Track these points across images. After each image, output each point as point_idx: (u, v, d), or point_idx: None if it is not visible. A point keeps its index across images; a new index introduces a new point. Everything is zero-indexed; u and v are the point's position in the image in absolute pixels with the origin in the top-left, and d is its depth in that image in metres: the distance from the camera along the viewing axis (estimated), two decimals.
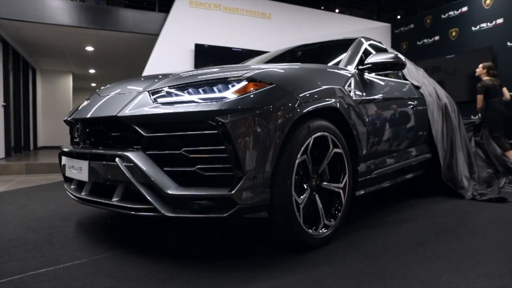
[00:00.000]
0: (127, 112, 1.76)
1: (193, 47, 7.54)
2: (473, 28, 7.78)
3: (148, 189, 1.65)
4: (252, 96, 1.70)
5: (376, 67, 2.54)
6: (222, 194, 1.59)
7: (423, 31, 8.95)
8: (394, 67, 2.55)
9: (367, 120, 2.40)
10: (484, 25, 7.56)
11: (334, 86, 2.15)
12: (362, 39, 2.93)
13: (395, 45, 9.63)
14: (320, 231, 1.94)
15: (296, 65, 2.27)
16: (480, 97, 5.56)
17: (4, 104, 7.76)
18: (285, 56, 3.36)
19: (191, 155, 1.62)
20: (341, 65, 2.53)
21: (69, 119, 2.26)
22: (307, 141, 1.87)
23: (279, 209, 1.74)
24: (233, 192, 1.58)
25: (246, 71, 1.83)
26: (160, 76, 2.03)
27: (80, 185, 2.12)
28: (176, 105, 1.68)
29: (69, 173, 2.12)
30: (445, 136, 3.48)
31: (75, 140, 2.26)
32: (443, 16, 8.47)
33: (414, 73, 3.49)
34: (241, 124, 1.61)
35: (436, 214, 2.69)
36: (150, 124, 1.71)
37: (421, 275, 1.59)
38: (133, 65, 10.74)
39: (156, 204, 1.63)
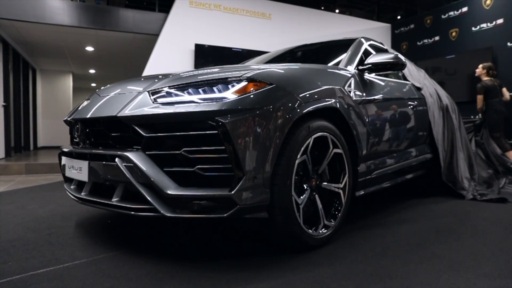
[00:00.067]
0: (127, 112, 1.76)
1: (193, 47, 7.55)
2: (473, 29, 7.78)
3: (148, 189, 1.65)
4: (252, 96, 1.70)
5: (376, 68, 2.54)
6: (222, 194, 1.59)
7: (423, 31, 8.95)
8: (394, 68, 2.55)
9: (367, 120, 2.40)
10: (484, 25, 7.56)
11: (334, 86, 2.15)
12: (362, 39, 2.93)
13: (395, 46, 9.63)
14: (320, 231, 1.94)
15: (296, 65, 2.27)
16: (480, 98, 5.56)
17: (4, 104, 7.76)
18: (285, 56, 3.36)
19: (191, 155, 1.62)
20: (341, 66, 2.53)
21: (69, 119, 2.26)
22: (307, 141, 1.87)
23: (279, 209, 1.74)
24: (233, 192, 1.58)
25: (246, 71, 1.83)
26: (160, 76, 2.03)
27: (80, 185, 2.12)
28: (176, 105, 1.68)
29: (69, 173, 2.12)
30: (446, 137, 3.49)
31: (75, 140, 2.26)
32: (443, 16, 8.47)
33: (415, 74, 3.49)
34: (241, 124, 1.61)
35: (436, 214, 2.69)
36: (150, 124, 1.71)
37: (421, 276, 1.59)
38: (133, 65, 10.75)
39: (156, 204, 1.63)
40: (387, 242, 2.05)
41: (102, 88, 2.29)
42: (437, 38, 8.61)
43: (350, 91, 2.30)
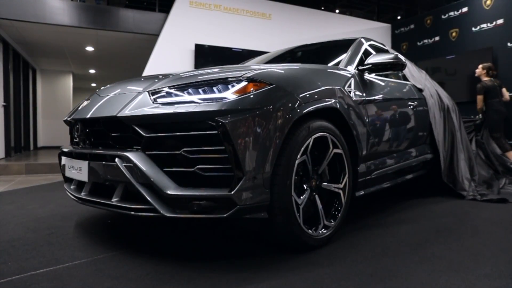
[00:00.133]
0: (127, 112, 1.76)
1: (193, 47, 7.55)
2: (473, 29, 7.78)
3: (147, 189, 1.65)
4: (252, 96, 1.70)
5: (376, 68, 2.54)
6: (221, 194, 1.59)
7: (423, 31, 8.95)
8: (394, 68, 2.55)
9: (367, 120, 2.40)
10: (484, 25, 7.56)
11: (334, 87, 2.15)
12: (362, 40, 2.93)
13: (395, 46, 9.63)
14: (320, 231, 1.94)
15: (296, 66, 2.27)
16: (480, 98, 5.56)
17: (4, 104, 7.76)
18: (285, 56, 3.36)
19: (190, 156, 1.62)
20: (341, 66, 2.53)
21: (69, 119, 2.26)
22: (307, 142, 1.87)
23: (279, 209, 1.74)
24: (232, 192, 1.58)
25: (246, 72, 1.83)
26: (160, 76, 2.03)
27: (80, 185, 2.12)
28: (176, 106, 1.68)
29: (69, 173, 2.12)
30: (447, 138, 3.49)
31: (75, 140, 2.26)
32: (443, 17, 8.47)
33: (416, 75, 3.50)
34: (241, 124, 1.61)
35: (436, 215, 2.69)
36: (150, 125, 1.71)
37: (421, 276, 1.59)
38: (133, 65, 10.75)
39: (156, 204, 1.63)
40: (387, 242, 2.05)
41: (102, 88, 2.29)
42: (437, 38, 8.61)
43: (350, 91, 2.30)
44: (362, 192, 2.38)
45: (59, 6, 7.12)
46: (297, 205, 1.82)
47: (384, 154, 2.69)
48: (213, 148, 1.61)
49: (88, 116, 1.99)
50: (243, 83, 1.74)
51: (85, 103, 2.25)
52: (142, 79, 2.15)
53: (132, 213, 1.70)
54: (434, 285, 1.51)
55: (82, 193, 1.99)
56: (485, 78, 5.67)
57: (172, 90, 1.79)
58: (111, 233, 2.29)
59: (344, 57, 2.64)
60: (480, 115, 5.48)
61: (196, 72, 2.02)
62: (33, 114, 11.26)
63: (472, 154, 3.87)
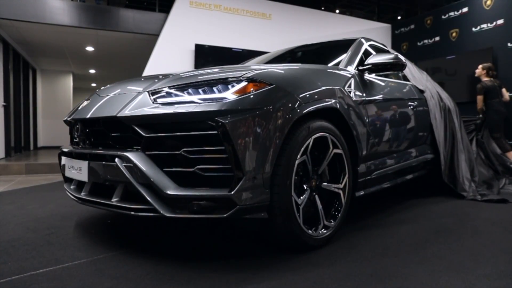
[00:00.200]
0: (126, 112, 1.76)
1: (193, 48, 7.55)
2: (473, 29, 7.77)
3: (147, 189, 1.65)
4: (252, 96, 1.70)
5: (376, 68, 2.54)
6: (221, 194, 1.59)
7: (423, 31, 8.95)
8: (394, 68, 2.55)
9: (367, 120, 2.40)
10: (484, 25, 7.55)
11: (334, 87, 2.15)
12: (362, 40, 2.93)
13: (395, 46, 9.63)
14: (320, 231, 1.94)
15: (296, 66, 2.27)
16: (480, 98, 5.56)
17: (4, 104, 7.76)
18: (285, 56, 3.36)
19: (190, 156, 1.62)
20: (341, 66, 2.53)
21: (68, 119, 2.26)
22: (307, 142, 1.87)
23: (278, 209, 1.74)
24: (232, 192, 1.58)
25: (246, 72, 1.82)
26: (160, 77, 2.03)
27: (79, 185, 2.12)
28: (176, 106, 1.68)
29: (69, 173, 2.12)
30: (448, 139, 3.50)
31: (74, 140, 2.26)
32: (443, 17, 8.47)
33: (417, 76, 3.50)
34: (240, 124, 1.61)
35: (436, 215, 2.69)
36: (149, 125, 1.71)
37: (421, 276, 1.59)
38: (134, 65, 10.75)
39: (156, 204, 1.63)
40: (387, 242, 2.04)
41: (102, 88, 2.29)
42: (437, 38, 8.60)
43: (350, 92, 2.30)
44: (362, 192, 2.38)
45: (59, 6, 7.12)
46: (297, 205, 1.82)
47: (384, 154, 2.69)
48: (213, 148, 1.61)
49: (88, 116, 1.99)
50: (243, 83, 1.74)
51: (85, 103, 2.24)
52: (142, 79, 2.15)
53: (132, 213, 1.70)
54: (434, 285, 1.51)
55: (82, 193, 1.99)
56: (485, 79, 5.67)
57: (172, 90, 1.79)
58: (111, 233, 2.29)
59: (344, 57, 2.64)
60: (481, 115, 5.48)
61: (196, 72, 2.02)
62: (33, 114, 11.26)
63: (473, 155, 3.87)
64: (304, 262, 1.75)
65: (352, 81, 2.39)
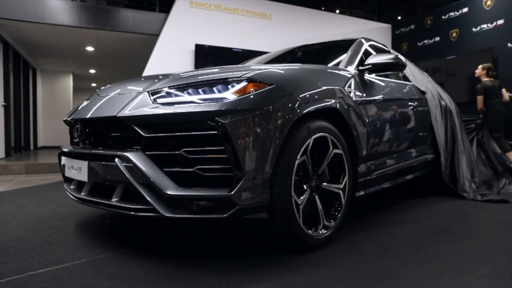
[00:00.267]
0: (126, 112, 1.76)
1: (193, 48, 7.55)
2: (473, 29, 7.77)
3: (147, 189, 1.65)
4: (252, 96, 1.70)
5: (376, 68, 2.54)
6: (221, 194, 1.59)
7: (423, 32, 8.95)
8: (394, 68, 2.54)
9: (367, 121, 2.40)
10: (484, 26, 7.55)
11: (334, 87, 2.15)
12: (363, 40, 2.93)
13: (395, 46, 9.63)
14: (320, 232, 1.94)
15: (296, 66, 2.27)
16: (480, 98, 5.57)
17: (4, 104, 7.76)
18: (285, 56, 3.36)
19: (190, 156, 1.62)
20: (341, 66, 2.53)
21: (68, 119, 2.26)
22: (307, 142, 1.87)
23: (278, 210, 1.74)
24: (232, 192, 1.58)
25: (246, 72, 1.82)
26: (160, 77, 2.03)
27: (79, 185, 2.12)
28: (176, 106, 1.68)
29: (69, 173, 2.12)
30: (448, 140, 3.50)
31: (74, 140, 2.26)
32: (443, 17, 8.47)
33: (419, 77, 3.50)
34: (240, 124, 1.61)
35: (437, 215, 2.69)
36: (149, 125, 1.71)
37: (421, 276, 1.59)
38: (134, 66, 10.75)
39: (156, 204, 1.63)
40: (387, 242, 2.04)
41: (102, 88, 2.29)
42: (437, 38, 8.60)
43: (350, 92, 2.30)
44: (362, 193, 2.38)
45: (60, 6, 7.12)
46: (297, 205, 1.82)
47: (384, 154, 2.69)
48: (213, 148, 1.61)
49: (88, 116, 1.99)
50: (243, 83, 1.74)
51: (85, 103, 2.24)
52: (142, 79, 2.15)
53: (132, 213, 1.70)
54: (434, 285, 1.51)
55: (82, 193, 1.99)
56: (485, 79, 5.67)
57: (172, 90, 1.79)
58: (111, 233, 2.29)
59: (344, 57, 2.64)
60: (481, 115, 5.48)
61: (196, 72, 2.02)
62: (33, 114, 11.26)
63: (473, 156, 3.87)
64: (304, 262, 1.75)
65: (352, 81, 2.39)
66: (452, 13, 8.26)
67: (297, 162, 1.81)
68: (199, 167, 1.62)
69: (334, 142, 2.04)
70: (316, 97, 1.97)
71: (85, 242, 2.08)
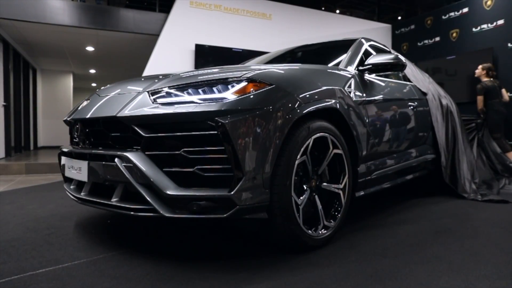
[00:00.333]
0: (126, 112, 1.75)
1: (193, 48, 7.55)
2: (473, 29, 7.77)
3: (147, 189, 1.65)
4: (252, 96, 1.70)
5: (376, 68, 2.54)
6: (221, 194, 1.59)
7: (423, 32, 8.95)
8: (394, 68, 2.54)
9: (367, 121, 2.40)
10: (484, 26, 7.55)
11: (334, 87, 2.15)
12: (363, 40, 2.93)
13: (395, 46, 9.63)
14: (320, 232, 1.94)
15: (296, 66, 2.27)
16: (480, 98, 5.57)
17: (5, 104, 7.76)
18: (286, 56, 3.36)
19: (190, 156, 1.62)
20: (341, 66, 2.53)
21: (68, 119, 2.25)
22: (307, 142, 1.87)
23: (278, 210, 1.74)
24: (232, 192, 1.57)
25: (246, 72, 1.82)
26: (160, 77, 2.03)
27: (79, 185, 2.12)
28: (176, 106, 1.68)
29: (69, 173, 2.12)
30: (449, 141, 3.50)
31: (74, 140, 2.26)
32: (443, 17, 8.47)
33: (420, 79, 3.50)
34: (240, 124, 1.61)
35: (436, 215, 2.69)
36: (149, 125, 1.71)
37: (420, 277, 1.59)
38: (134, 65, 10.75)
39: (155, 204, 1.63)
40: (387, 243, 2.04)
41: (102, 88, 2.29)
42: (437, 38, 8.60)
43: (350, 92, 2.29)
44: (362, 193, 2.38)
45: (60, 6, 7.12)
46: (297, 205, 1.81)
47: (384, 154, 2.68)
48: (212, 148, 1.61)
49: (87, 116, 1.98)
50: (243, 83, 1.74)
51: (85, 103, 2.24)
52: (142, 79, 2.15)
53: (132, 213, 1.70)
54: (434, 285, 1.51)
55: (82, 193, 1.99)
56: (485, 79, 5.67)
57: (172, 90, 1.79)
58: (111, 233, 2.29)
59: (344, 57, 2.64)
60: (481, 115, 5.48)
61: (196, 72, 2.01)
62: (33, 114, 11.26)
63: (473, 157, 3.87)
64: (304, 262, 1.75)
65: (352, 81, 2.39)
66: (452, 13, 8.26)
67: (297, 162, 1.81)
68: (199, 167, 1.62)
69: (334, 142, 2.04)
70: (316, 97, 1.97)
71: (85, 242, 2.08)
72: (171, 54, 7.46)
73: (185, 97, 1.73)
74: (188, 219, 1.65)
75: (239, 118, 1.61)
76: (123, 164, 1.69)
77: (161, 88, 1.82)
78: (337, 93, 2.14)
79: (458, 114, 3.79)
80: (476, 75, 5.83)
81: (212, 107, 1.62)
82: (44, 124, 12.30)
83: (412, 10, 11.95)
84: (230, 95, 1.68)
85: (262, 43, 8.07)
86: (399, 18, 12.33)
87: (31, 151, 10.26)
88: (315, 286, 1.50)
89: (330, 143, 2.02)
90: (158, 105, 1.73)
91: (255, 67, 2.05)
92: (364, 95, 2.44)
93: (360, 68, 2.56)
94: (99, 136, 1.98)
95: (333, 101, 2.08)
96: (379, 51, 3.08)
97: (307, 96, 1.92)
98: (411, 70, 3.42)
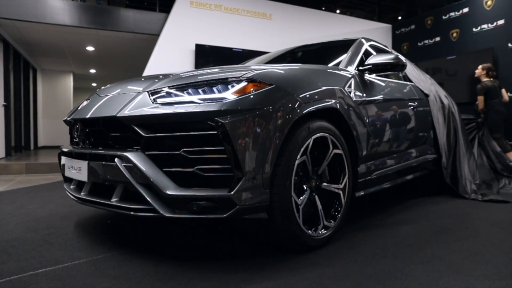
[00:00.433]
0: (126, 112, 1.75)
1: (193, 48, 7.55)
2: (474, 29, 7.77)
3: (147, 189, 1.65)
4: (252, 96, 1.70)
5: (377, 68, 2.53)
6: (221, 194, 1.59)
7: (424, 32, 8.94)
8: (394, 68, 2.54)
9: (367, 121, 2.40)
10: (485, 26, 7.55)
11: (334, 87, 2.15)
12: (363, 40, 2.93)
13: (396, 46, 9.62)
14: (320, 232, 1.94)
15: (296, 66, 2.27)
16: (481, 99, 5.57)
17: (5, 103, 7.76)
18: (286, 56, 3.36)
19: (190, 156, 1.62)
20: (341, 66, 2.53)
21: (68, 119, 2.26)
22: (307, 142, 1.87)
23: (278, 210, 1.74)
24: (232, 192, 1.57)
25: (246, 72, 1.82)
26: (160, 77, 2.03)
27: (79, 185, 2.12)
28: (176, 106, 1.68)
29: (69, 173, 2.12)
30: (451, 142, 3.50)
31: (74, 140, 2.26)
32: (444, 17, 8.47)
33: (422, 80, 3.50)
34: (240, 124, 1.61)
35: (437, 215, 2.68)
36: (149, 125, 1.71)
37: (420, 277, 1.59)
38: (134, 65, 10.76)
39: (155, 204, 1.63)
40: (387, 243, 2.04)
41: (102, 88, 2.29)
42: (438, 38, 8.60)
43: (350, 92, 2.29)
44: (362, 193, 2.38)
45: (60, 6, 7.12)
46: (297, 205, 1.81)
47: (384, 154, 2.68)
48: (212, 148, 1.61)
49: (87, 116, 1.98)
50: (243, 84, 1.74)
51: (85, 103, 2.24)
52: (142, 79, 2.15)
53: (132, 213, 1.70)
54: (434, 285, 1.50)
55: (82, 193, 1.99)
56: (484, 79, 5.67)
57: (172, 90, 1.79)
58: (111, 233, 2.29)
59: (344, 57, 2.64)
60: (482, 115, 5.48)
61: (196, 72, 2.01)
62: (34, 114, 11.26)
63: (474, 159, 3.87)
64: (303, 262, 1.75)
65: (352, 81, 2.39)
66: (452, 13, 8.26)
67: (297, 162, 1.81)
68: (199, 167, 1.62)
69: (334, 142, 2.04)
70: (316, 97, 1.97)
71: (85, 242, 2.08)
72: (171, 54, 7.46)
73: (185, 97, 1.73)
74: (188, 219, 1.65)
75: (239, 118, 1.61)
76: (123, 164, 1.69)
77: (161, 88, 1.82)
78: (337, 93, 2.14)
79: (459, 114, 3.79)
80: (476, 75, 5.83)
81: (212, 107, 1.62)
82: (44, 124, 12.31)
83: (412, 10, 11.96)
84: (230, 95, 1.68)
85: (262, 43, 8.07)
86: (400, 18, 12.33)
87: (31, 151, 10.27)
88: (315, 286, 1.50)
89: (330, 143, 2.02)
90: (158, 105, 1.73)
91: (255, 67, 2.05)
92: (364, 95, 2.44)
93: (360, 68, 2.56)
94: (99, 136, 1.98)
95: (333, 101, 2.08)
96: (379, 51, 3.08)
97: (307, 96, 1.92)
98: (414, 71, 3.43)
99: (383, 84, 2.77)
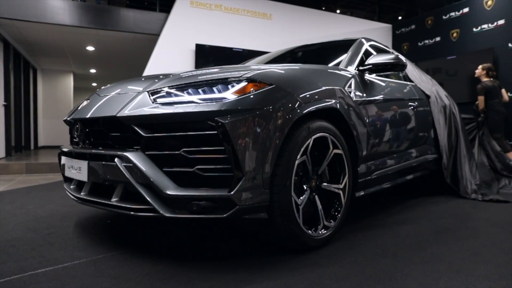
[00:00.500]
0: (126, 112, 1.75)
1: (193, 47, 7.54)
2: (474, 29, 7.77)
3: (147, 189, 1.65)
4: (252, 96, 1.70)
5: (377, 68, 2.53)
6: (221, 194, 1.59)
7: (424, 32, 8.94)
8: (394, 68, 2.54)
9: (367, 121, 2.40)
10: (485, 26, 7.55)
11: (334, 87, 2.15)
12: (363, 40, 2.93)
13: (396, 46, 9.62)
14: (320, 232, 1.94)
15: (296, 66, 2.27)
16: (481, 99, 5.57)
17: (5, 103, 7.77)
18: (286, 56, 3.36)
19: (190, 156, 1.62)
20: (341, 66, 2.52)
21: (68, 119, 2.26)
22: (307, 142, 1.87)
23: (278, 210, 1.74)
24: (232, 192, 1.57)
25: (246, 72, 1.82)
26: (160, 76, 2.03)
27: (79, 185, 2.12)
28: (176, 106, 1.68)
29: (69, 173, 2.12)
30: (451, 143, 3.50)
31: (74, 140, 2.26)
32: (444, 17, 8.46)
33: (424, 81, 3.50)
34: (240, 124, 1.61)
35: (437, 216, 2.68)
36: (149, 125, 1.71)
37: (420, 277, 1.59)
38: (134, 65, 10.76)
39: (155, 204, 1.63)
40: (387, 243, 2.04)
41: (102, 88, 2.29)
42: (438, 38, 8.60)
43: (350, 92, 2.29)
44: (362, 193, 2.38)
45: (60, 5, 7.12)
46: (297, 205, 1.81)
47: (385, 154, 2.68)
48: (212, 148, 1.61)
49: (87, 116, 1.98)
50: (243, 83, 1.73)
51: (85, 103, 2.24)
52: (142, 79, 2.15)
53: (132, 213, 1.70)
54: (434, 286, 1.50)
55: (82, 193, 1.99)
56: (485, 79, 5.67)
57: (172, 90, 1.79)
58: (110, 233, 2.29)
59: (344, 57, 2.63)
60: (482, 115, 5.47)
61: (196, 72, 2.01)
62: (34, 114, 11.27)
63: (474, 159, 3.87)
64: (303, 262, 1.75)
65: (353, 81, 2.39)
66: (452, 13, 8.25)
67: (297, 162, 1.81)
68: (199, 167, 1.62)
69: (334, 142, 2.04)
70: (316, 97, 1.97)
71: (85, 242, 2.08)
72: (171, 54, 7.46)
73: (185, 97, 1.73)
74: (188, 219, 1.65)
75: (239, 118, 1.61)
76: (123, 164, 1.69)
77: (161, 88, 1.82)
78: (337, 93, 2.14)
79: (459, 115, 3.79)
80: (476, 75, 5.83)
81: (212, 107, 1.62)
82: (45, 124, 12.31)
83: (412, 10, 11.95)
84: (230, 95, 1.68)
85: (262, 43, 8.06)
86: (400, 18, 12.32)
87: (31, 151, 10.27)
88: (315, 286, 1.50)
89: (330, 143, 2.02)
90: (158, 105, 1.73)
91: (255, 67, 2.05)
92: (364, 95, 2.44)
93: (361, 68, 2.56)
94: (99, 136, 1.98)
95: (333, 101, 2.08)
96: (380, 51, 3.08)
97: (307, 96, 1.92)
98: (415, 72, 3.43)
99: (383, 84, 2.77)
